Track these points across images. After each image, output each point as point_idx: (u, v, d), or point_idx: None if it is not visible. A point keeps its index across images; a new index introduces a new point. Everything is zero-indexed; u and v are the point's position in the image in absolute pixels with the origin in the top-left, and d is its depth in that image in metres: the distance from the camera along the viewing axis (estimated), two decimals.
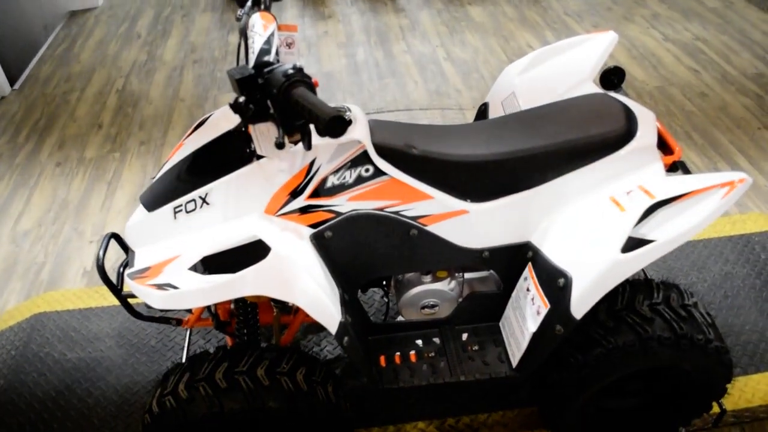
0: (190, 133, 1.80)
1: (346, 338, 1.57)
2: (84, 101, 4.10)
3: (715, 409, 2.12)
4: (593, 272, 1.51)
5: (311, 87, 1.28)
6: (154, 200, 1.59)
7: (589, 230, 1.58)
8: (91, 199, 3.25)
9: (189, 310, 2.00)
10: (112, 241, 2.41)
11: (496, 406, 2.14)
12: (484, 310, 1.91)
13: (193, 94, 4.11)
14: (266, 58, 1.45)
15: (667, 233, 1.50)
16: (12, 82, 4.29)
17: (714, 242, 2.75)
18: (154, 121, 3.85)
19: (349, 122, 1.57)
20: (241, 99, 1.30)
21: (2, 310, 2.66)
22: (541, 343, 1.68)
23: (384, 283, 1.97)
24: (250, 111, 1.30)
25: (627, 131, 1.68)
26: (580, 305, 1.56)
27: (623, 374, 1.73)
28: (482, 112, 2.14)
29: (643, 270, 2.49)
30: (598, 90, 1.93)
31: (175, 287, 1.46)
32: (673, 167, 1.78)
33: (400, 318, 1.94)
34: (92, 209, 3.19)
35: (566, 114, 1.76)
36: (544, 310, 1.62)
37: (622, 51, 4.37)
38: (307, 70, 4.24)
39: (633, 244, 1.50)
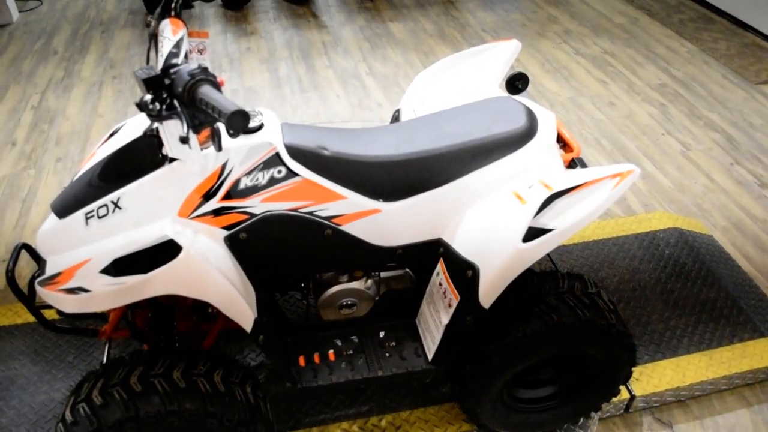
0: (104, 142, 1.80)
1: (261, 336, 1.59)
2: None
3: (625, 395, 2.23)
4: (498, 262, 1.59)
5: (216, 85, 1.30)
6: (65, 207, 1.57)
7: (494, 223, 1.66)
8: (5, 218, 3.15)
9: (105, 320, 1.97)
10: (25, 254, 2.34)
11: (418, 402, 2.18)
12: (401, 307, 1.96)
13: (113, 109, 4.05)
14: (174, 61, 1.47)
15: (565, 222, 1.59)
16: None
17: (622, 240, 2.90)
18: (71, 137, 3.77)
19: (261, 127, 1.60)
20: (147, 97, 1.31)
21: None
22: (454, 335, 1.74)
23: (303, 285, 1.99)
24: (155, 109, 1.32)
25: (528, 130, 1.77)
26: (488, 294, 1.63)
27: (534, 361, 1.81)
28: (396, 118, 2.21)
29: (553, 263, 2.60)
30: (504, 94, 2.02)
31: (86, 290, 1.45)
32: (573, 164, 1.88)
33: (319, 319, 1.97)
34: (5, 228, 3.09)
35: (472, 115, 1.84)
36: (455, 302, 1.68)
37: (536, 64, 4.56)
38: (229, 85, 4.25)
39: (534, 233, 1.58)
